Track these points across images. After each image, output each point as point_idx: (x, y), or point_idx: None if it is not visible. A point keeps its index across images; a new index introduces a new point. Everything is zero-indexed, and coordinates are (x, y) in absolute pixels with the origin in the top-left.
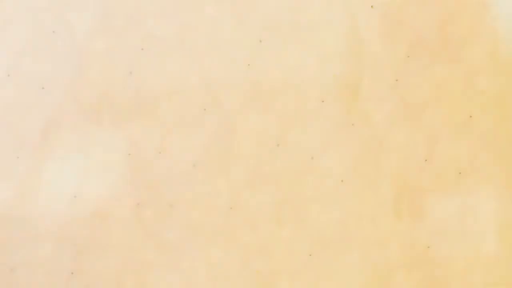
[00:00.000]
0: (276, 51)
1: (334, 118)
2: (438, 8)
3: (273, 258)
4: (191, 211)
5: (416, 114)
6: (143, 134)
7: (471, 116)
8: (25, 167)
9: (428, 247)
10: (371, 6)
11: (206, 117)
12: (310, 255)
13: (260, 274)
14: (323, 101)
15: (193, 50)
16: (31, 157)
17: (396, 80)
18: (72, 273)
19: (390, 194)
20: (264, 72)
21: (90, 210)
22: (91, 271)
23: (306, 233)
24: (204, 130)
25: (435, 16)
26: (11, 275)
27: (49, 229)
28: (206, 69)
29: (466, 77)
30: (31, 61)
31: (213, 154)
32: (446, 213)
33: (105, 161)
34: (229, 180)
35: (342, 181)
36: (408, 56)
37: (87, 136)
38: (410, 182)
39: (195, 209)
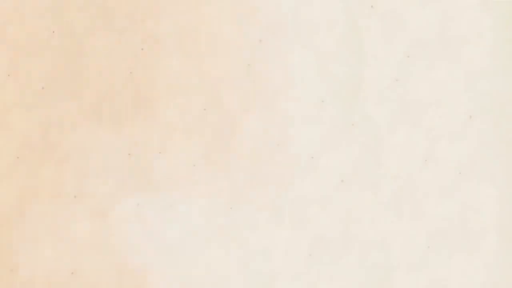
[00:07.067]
0: (276, 51)
1: (334, 118)
2: (438, 8)
3: (273, 258)
4: (191, 211)
5: (416, 114)
6: (143, 134)
7: (471, 116)
8: (25, 167)
9: (428, 247)
10: (371, 6)
11: (206, 117)
12: (310, 255)
13: (260, 274)
14: (323, 101)
15: (193, 50)
16: (31, 157)
17: (396, 80)
18: (72, 273)
19: (390, 194)
20: (264, 72)
21: (90, 210)
22: (91, 271)
23: (306, 233)
24: (204, 130)
25: (435, 16)
26: (11, 275)
27: (49, 229)
28: (206, 69)
29: (466, 77)
30: (31, 61)
31: (213, 154)
32: (446, 213)
33: (105, 161)
34: (229, 180)
35: (342, 181)
36: (408, 56)
37: (87, 136)
38: (410, 182)
39: (195, 209)
